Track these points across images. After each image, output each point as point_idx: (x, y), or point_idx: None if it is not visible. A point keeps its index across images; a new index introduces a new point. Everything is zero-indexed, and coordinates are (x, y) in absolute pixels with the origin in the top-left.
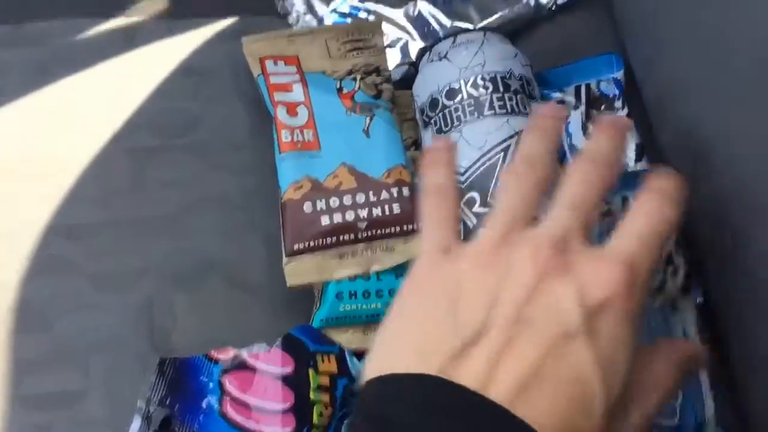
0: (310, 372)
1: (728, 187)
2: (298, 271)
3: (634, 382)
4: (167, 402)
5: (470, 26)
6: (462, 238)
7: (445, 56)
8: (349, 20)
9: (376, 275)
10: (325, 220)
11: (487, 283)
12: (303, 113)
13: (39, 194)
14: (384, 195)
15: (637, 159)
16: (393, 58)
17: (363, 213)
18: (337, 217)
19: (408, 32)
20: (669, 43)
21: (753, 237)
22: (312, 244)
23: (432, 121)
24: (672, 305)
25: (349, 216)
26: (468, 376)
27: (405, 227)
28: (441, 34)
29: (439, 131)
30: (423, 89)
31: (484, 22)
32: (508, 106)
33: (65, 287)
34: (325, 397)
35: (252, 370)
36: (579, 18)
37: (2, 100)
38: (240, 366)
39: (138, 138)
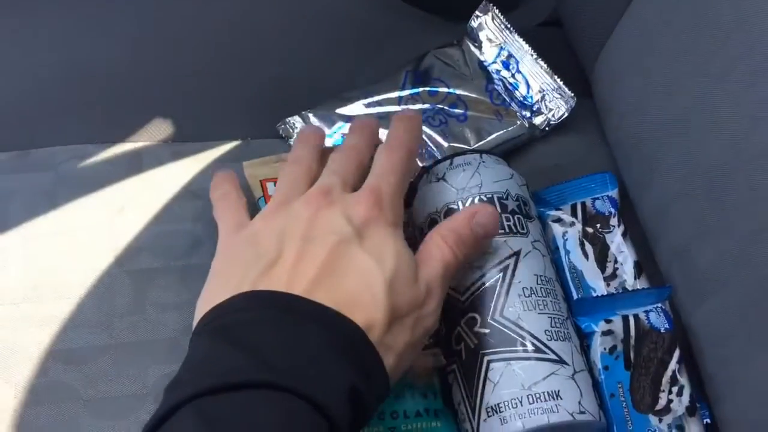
0: None
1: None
2: None
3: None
4: None
5: (466, 147)
6: (464, 358)
7: (442, 177)
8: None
9: None
10: None
11: (275, 227)
12: None
13: (39, 319)
14: None
15: (636, 276)
16: None
17: None
18: None
19: None
20: (658, 166)
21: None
22: None
23: None
24: (679, 428)
25: None
26: (275, 284)
27: None
28: (438, 154)
29: None
30: (422, 209)
31: (480, 143)
32: (506, 227)
33: (62, 414)
34: None
35: None
36: (572, 138)
37: (7, 226)
38: None
39: (140, 260)
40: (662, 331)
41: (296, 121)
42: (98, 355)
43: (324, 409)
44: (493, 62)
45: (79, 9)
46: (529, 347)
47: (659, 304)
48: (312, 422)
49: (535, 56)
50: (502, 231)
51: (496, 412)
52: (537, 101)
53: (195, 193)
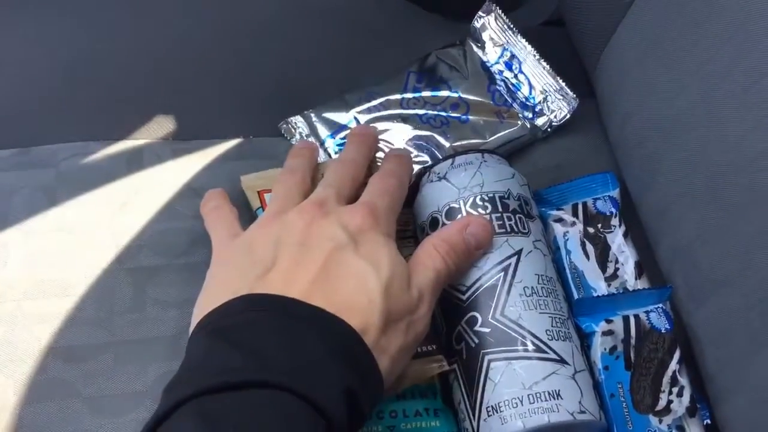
0: None
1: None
2: None
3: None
4: None
5: (468, 147)
6: (465, 357)
7: (444, 177)
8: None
9: None
10: None
11: (270, 234)
12: None
13: (40, 316)
14: None
15: (637, 277)
16: None
17: None
18: None
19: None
20: (660, 166)
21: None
22: None
23: None
24: (679, 428)
25: None
26: (272, 288)
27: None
28: (439, 155)
29: None
30: (423, 208)
31: (481, 144)
32: (507, 226)
33: (62, 411)
34: None
35: None
36: (574, 138)
37: (8, 222)
38: None
39: (141, 258)
40: (663, 331)
41: (298, 121)
42: (98, 352)
43: (322, 410)
44: (495, 63)
45: (81, 7)
46: (530, 347)
47: (660, 305)
48: (311, 422)
49: (537, 57)
50: (504, 230)
51: (497, 412)
52: (539, 102)
53: (196, 190)
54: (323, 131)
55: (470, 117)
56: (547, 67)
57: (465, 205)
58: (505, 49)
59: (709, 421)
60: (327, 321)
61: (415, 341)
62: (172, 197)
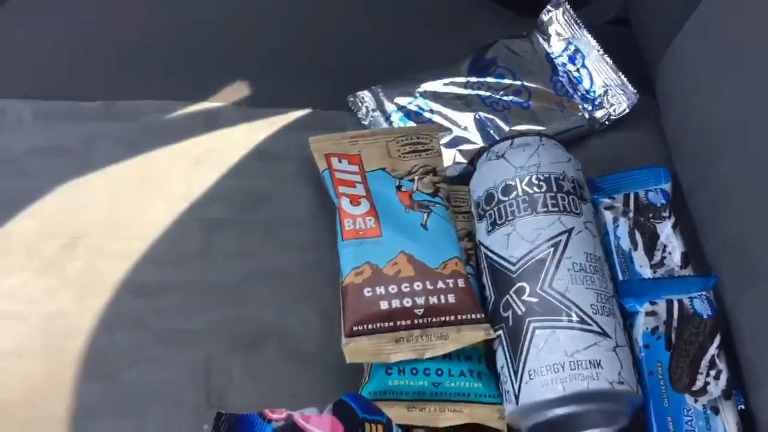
0: None
1: None
2: (356, 352)
3: None
4: None
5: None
6: (511, 324)
7: (502, 156)
8: (410, 123)
9: None
10: (383, 305)
11: None
12: (365, 204)
13: (117, 253)
14: (440, 285)
15: (683, 266)
16: (451, 157)
17: (420, 300)
18: (395, 303)
19: (469, 133)
20: (717, 162)
21: None
22: (370, 326)
23: (487, 214)
24: (714, 409)
25: (407, 302)
26: None
27: (459, 317)
28: (497, 138)
29: (494, 224)
30: (480, 185)
31: (540, 131)
32: (560, 205)
33: (131, 340)
34: None
35: None
36: (630, 133)
37: (93, 167)
38: (291, 428)
39: (211, 210)
40: (705, 317)
41: (365, 95)
42: (168, 290)
43: None
44: (559, 55)
45: None
46: (574, 318)
47: (704, 292)
48: None
49: (601, 52)
50: (557, 209)
51: (539, 375)
52: (600, 95)
53: (264, 153)
54: (389, 106)
55: (531, 103)
56: (610, 62)
57: (521, 183)
58: (569, 43)
59: (743, 407)
60: None
61: None
62: (241, 158)
